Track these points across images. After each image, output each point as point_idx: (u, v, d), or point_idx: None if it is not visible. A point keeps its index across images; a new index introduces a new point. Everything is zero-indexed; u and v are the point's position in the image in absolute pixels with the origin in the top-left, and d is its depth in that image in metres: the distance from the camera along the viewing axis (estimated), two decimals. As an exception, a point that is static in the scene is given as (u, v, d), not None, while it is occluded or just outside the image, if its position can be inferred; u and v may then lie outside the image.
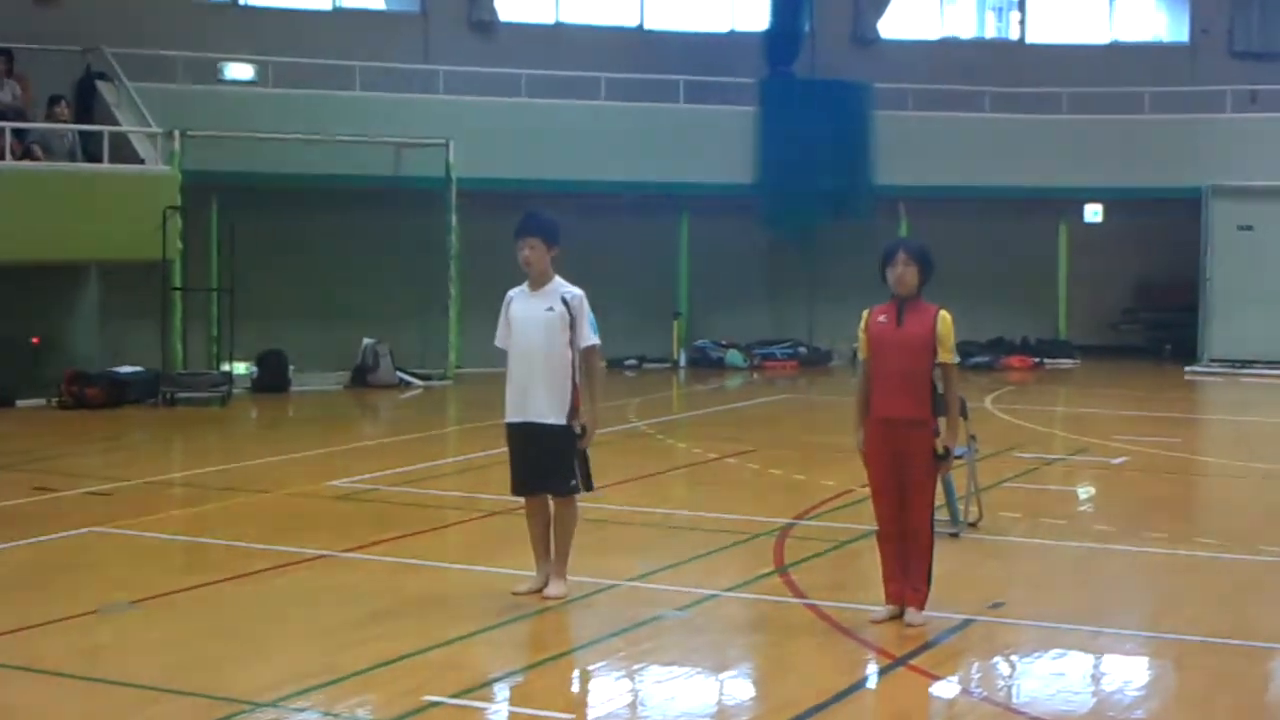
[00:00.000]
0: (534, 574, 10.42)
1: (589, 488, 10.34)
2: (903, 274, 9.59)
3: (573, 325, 10.15)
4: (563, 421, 10.13)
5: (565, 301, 10.16)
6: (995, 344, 31.10)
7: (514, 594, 10.29)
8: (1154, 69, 31.56)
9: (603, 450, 17.40)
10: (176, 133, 23.69)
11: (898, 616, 9.67)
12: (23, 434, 19.57)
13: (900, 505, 9.64)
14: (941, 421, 9.64)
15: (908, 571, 9.68)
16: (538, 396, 10.13)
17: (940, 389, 9.70)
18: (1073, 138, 30.73)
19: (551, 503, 10.35)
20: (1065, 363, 30.96)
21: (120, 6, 26.11)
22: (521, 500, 10.51)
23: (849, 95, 29.97)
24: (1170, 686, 8.88)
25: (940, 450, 9.58)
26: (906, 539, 9.67)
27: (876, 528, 9.86)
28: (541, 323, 10.12)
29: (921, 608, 9.67)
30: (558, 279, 10.27)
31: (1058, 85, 30.95)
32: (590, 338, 10.23)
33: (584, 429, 10.16)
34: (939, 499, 10.18)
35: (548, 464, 10.20)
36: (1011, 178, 30.41)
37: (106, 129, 23.13)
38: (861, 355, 9.87)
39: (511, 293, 10.37)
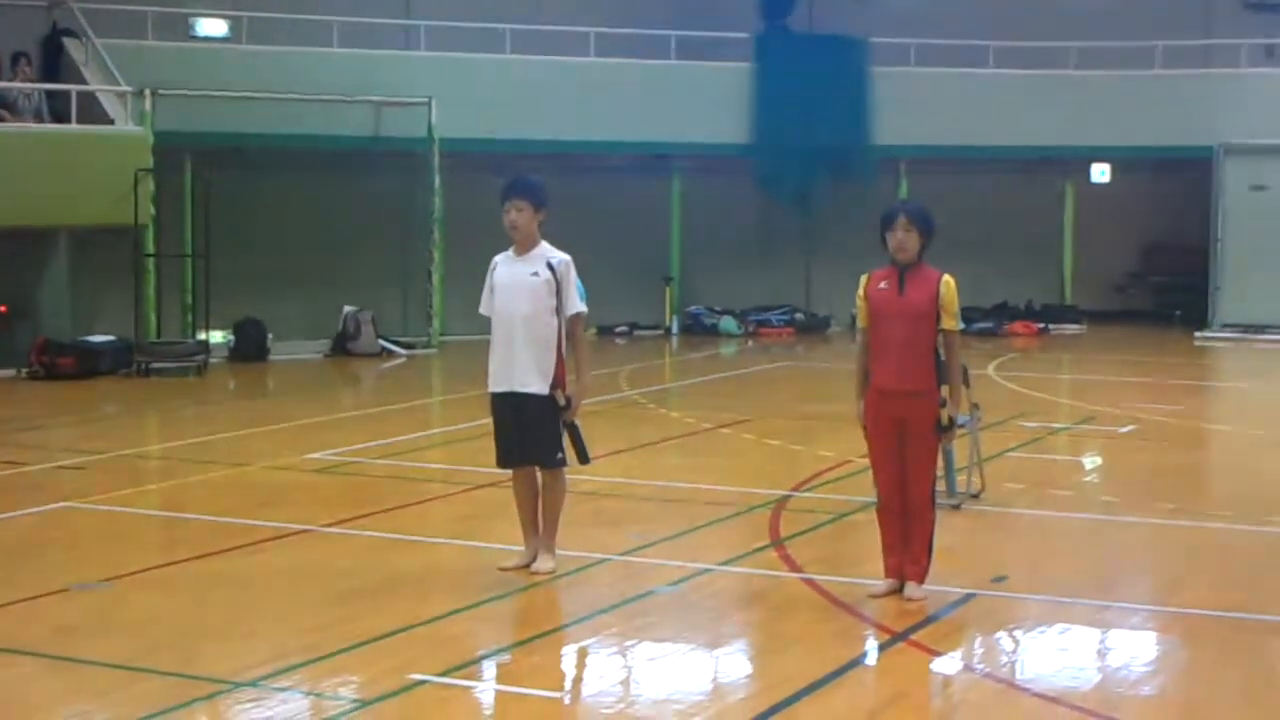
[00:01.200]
0: (522, 549, 10.47)
1: (584, 460, 10.36)
2: (903, 239, 9.57)
3: (559, 292, 10.18)
4: (545, 391, 10.17)
5: (551, 267, 10.18)
6: (999, 309, 31.18)
7: (501, 570, 10.33)
8: (1165, 22, 31.44)
9: (594, 420, 17.49)
10: (147, 91, 23.64)
11: (897, 591, 9.72)
12: (-9, 406, 19.59)
13: (901, 477, 9.68)
14: (945, 391, 9.66)
15: (908, 544, 9.73)
16: (521, 365, 10.14)
17: (943, 357, 9.73)
18: (1080, 94, 30.71)
19: (540, 475, 10.39)
20: (1071, 328, 31.03)
21: (88, -40, 26.09)
22: (508, 473, 10.55)
23: (847, 50, 29.96)
24: (1179, 662, 8.93)
25: (945, 421, 9.61)
26: (908, 512, 9.71)
27: (876, 500, 9.90)
28: (526, 288, 10.14)
29: (922, 581, 9.72)
30: (544, 243, 10.29)
31: (1065, 39, 30.90)
32: (577, 304, 10.25)
33: (569, 401, 10.19)
34: (939, 470, 10.21)
35: (533, 435, 10.22)
36: (1016, 137, 30.42)
37: (74, 88, 23.09)
38: (861, 323, 9.87)
39: (497, 258, 10.39)
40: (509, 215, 10.20)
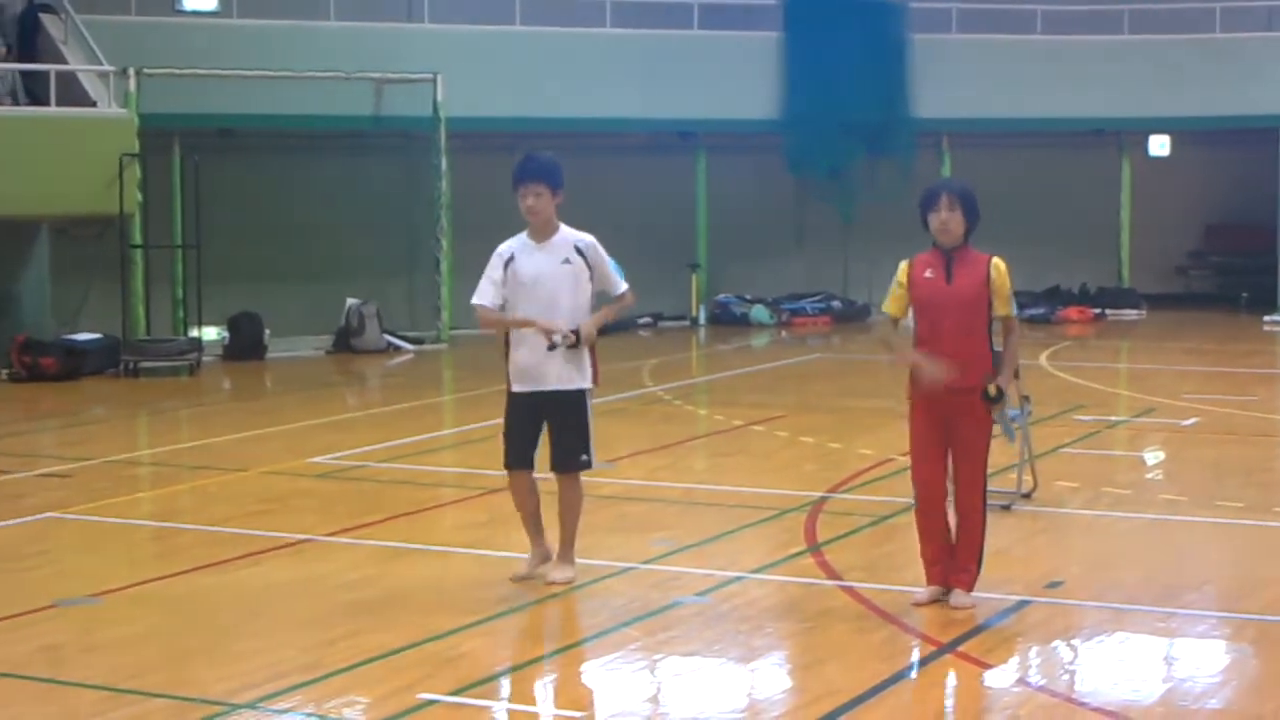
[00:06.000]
0: (529, 555, 10.47)
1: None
2: (947, 219, 9.51)
3: (593, 277, 10.18)
4: (586, 385, 10.20)
5: (580, 251, 10.17)
6: (1051, 294, 31.15)
7: (513, 580, 10.34)
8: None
9: (616, 419, 17.55)
10: (131, 71, 23.70)
11: (941, 598, 9.70)
12: (-32, 410, 19.67)
13: (940, 476, 9.66)
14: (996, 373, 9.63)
15: (954, 550, 9.71)
16: (562, 361, 10.11)
17: (998, 348, 9.70)
18: (1136, 61, 30.64)
19: (558, 480, 10.39)
20: (1129, 313, 30.99)
21: (65, -70, 26.16)
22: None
23: (884, 16, 29.86)
24: (1249, 672, 8.90)
25: (993, 391, 9.54)
26: (957, 516, 9.68)
27: (915, 500, 9.87)
28: (562, 278, 10.10)
29: (970, 589, 9.71)
30: (563, 227, 10.26)
31: (1118, 2, 30.84)
32: (620, 283, 10.32)
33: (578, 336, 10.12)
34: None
35: (568, 437, 10.22)
36: (1067, 107, 30.37)
37: (52, 68, 23.13)
38: (892, 311, 9.69)
39: (508, 248, 10.24)
40: (526, 201, 10.13)
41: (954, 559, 9.72)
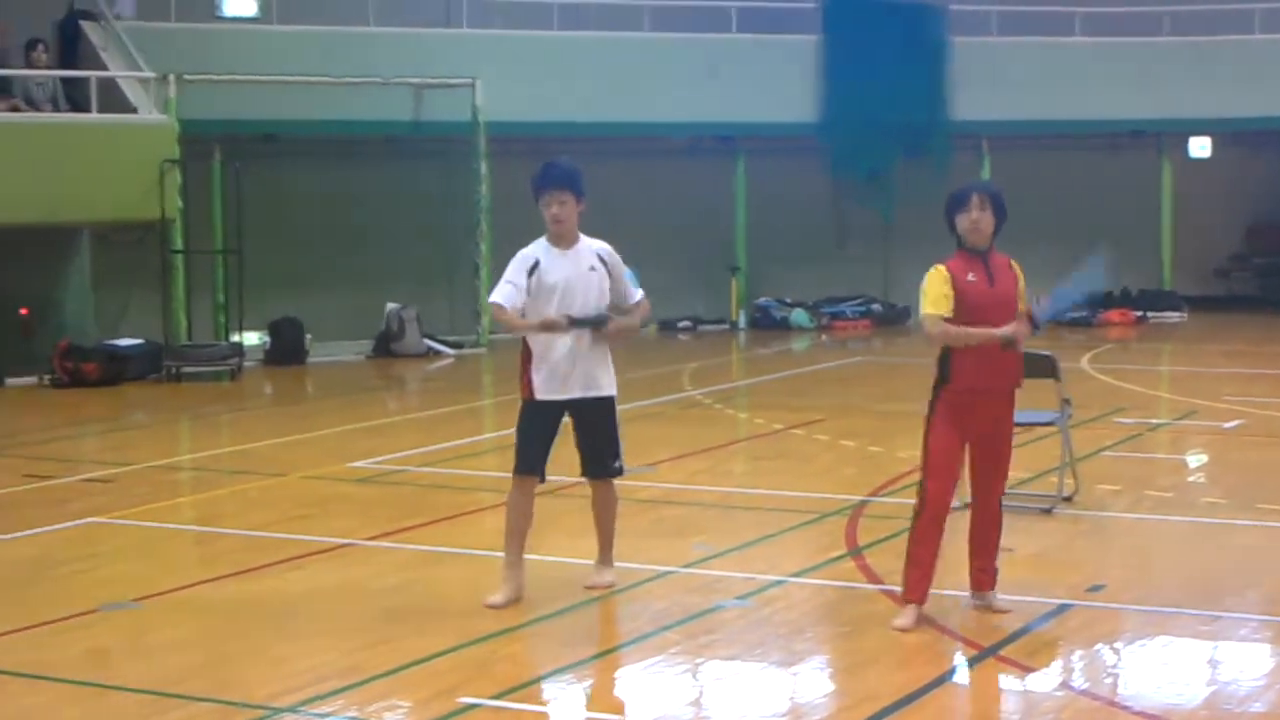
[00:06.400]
0: (505, 583, 10.10)
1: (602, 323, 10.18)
2: (978, 219, 9.42)
3: (611, 285, 10.19)
4: (614, 391, 10.20)
5: (603, 259, 10.17)
6: (1092, 297, 30.97)
7: (488, 606, 9.92)
8: (1264, -18, 31.32)
9: (656, 422, 17.56)
10: (172, 77, 23.79)
11: (924, 621, 9.56)
12: (12, 415, 19.76)
13: (953, 486, 9.62)
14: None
15: (977, 552, 9.69)
16: (590, 367, 10.10)
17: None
18: (1175, 63, 30.53)
19: (593, 486, 10.39)
20: (1170, 316, 30.86)
21: (106, -63, 26.27)
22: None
23: (924, 19, 29.80)
24: (1292, 676, 8.88)
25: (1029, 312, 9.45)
26: (987, 517, 9.67)
27: (924, 509, 9.55)
28: (589, 285, 10.09)
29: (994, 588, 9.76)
30: (583, 235, 10.24)
31: (1157, 4, 30.74)
32: (636, 292, 10.29)
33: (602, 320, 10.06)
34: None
35: (601, 440, 10.22)
36: (1107, 110, 30.26)
37: (93, 74, 23.23)
38: (943, 311, 9.36)
39: (531, 253, 10.13)
40: (551, 209, 10.06)
41: (977, 562, 9.71)
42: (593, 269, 10.12)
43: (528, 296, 10.02)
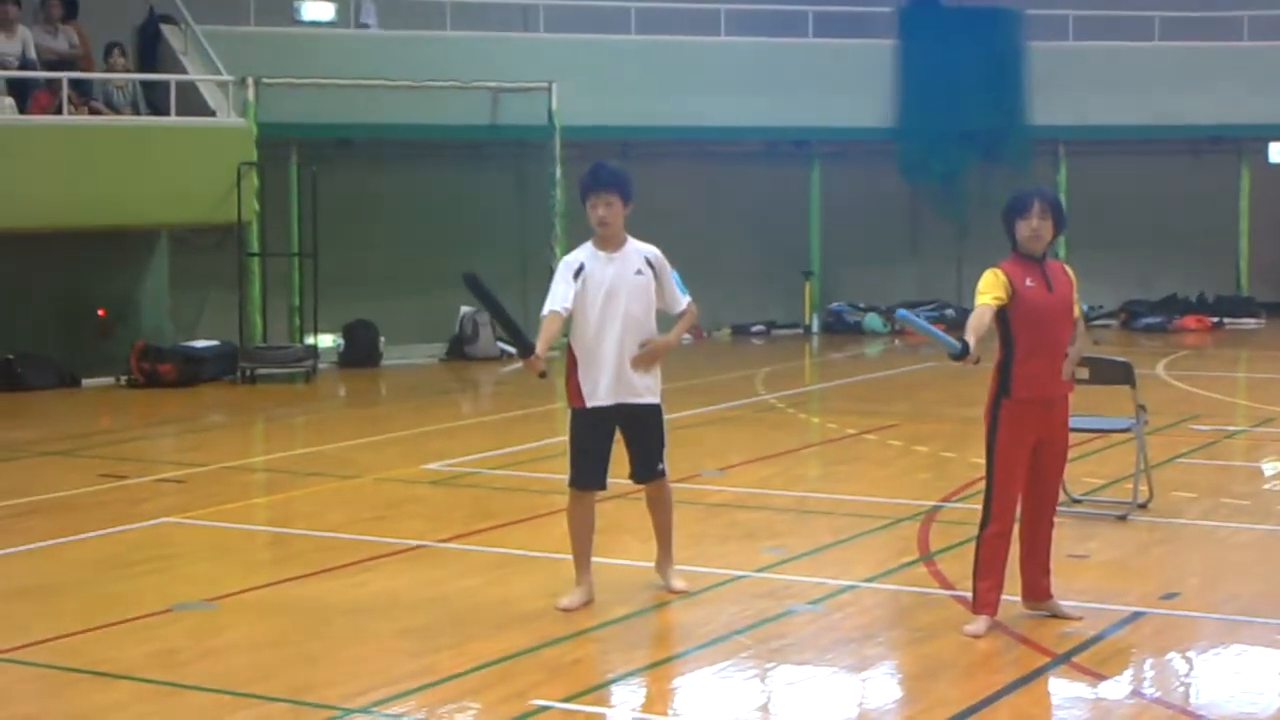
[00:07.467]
0: (578, 587, 10.20)
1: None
2: (1039, 227, 9.38)
3: (659, 290, 10.13)
4: (659, 399, 10.17)
5: (651, 264, 10.10)
6: (1168, 302, 30.82)
7: (561, 609, 9.99)
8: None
9: (728, 427, 17.55)
10: (250, 80, 23.92)
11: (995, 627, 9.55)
12: (89, 415, 19.92)
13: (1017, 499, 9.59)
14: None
15: (1037, 560, 9.68)
16: (636, 373, 10.09)
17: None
18: (1254, 67, 30.33)
19: (646, 490, 10.37)
20: (1248, 322, 30.64)
21: (185, -57, 26.45)
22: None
23: (1000, 24, 29.74)
24: (1369, 686, 8.80)
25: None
26: (1041, 526, 9.65)
27: (991, 522, 9.50)
28: (636, 289, 10.04)
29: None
30: (631, 238, 10.21)
31: (1236, 9, 30.51)
32: (683, 299, 10.21)
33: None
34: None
35: (650, 448, 10.19)
36: (1185, 115, 30.07)
37: (172, 78, 23.36)
38: (994, 300, 9.36)
39: (577, 257, 10.11)
40: (597, 211, 10.01)
41: (1030, 571, 9.68)
42: (639, 272, 10.06)
43: (572, 300, 10.01)
